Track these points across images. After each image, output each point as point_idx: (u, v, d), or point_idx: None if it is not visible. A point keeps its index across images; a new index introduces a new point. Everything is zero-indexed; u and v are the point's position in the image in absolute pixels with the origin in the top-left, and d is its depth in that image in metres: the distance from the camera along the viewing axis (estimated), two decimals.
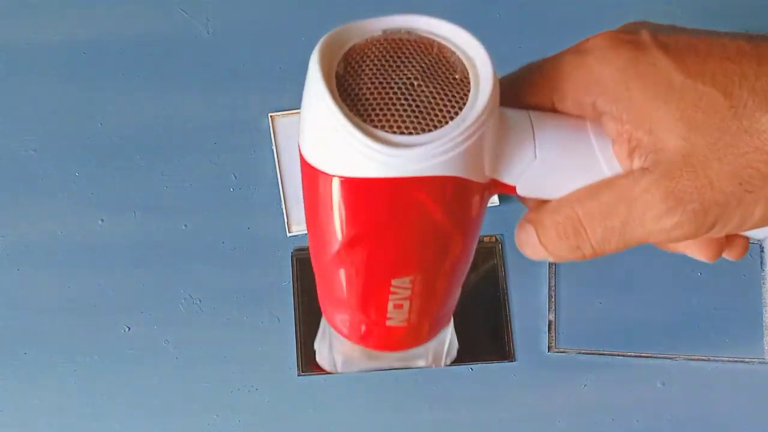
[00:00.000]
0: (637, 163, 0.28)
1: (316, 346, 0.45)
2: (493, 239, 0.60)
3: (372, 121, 0.27)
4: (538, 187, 0.31)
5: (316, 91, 0.27)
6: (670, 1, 0.63)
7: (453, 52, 0.29)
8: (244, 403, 0.58)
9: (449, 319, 0.41)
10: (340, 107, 0.27)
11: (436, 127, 0.27)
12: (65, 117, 0.62)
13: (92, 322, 0.59)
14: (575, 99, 0.29)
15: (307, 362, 0.58)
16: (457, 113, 0.28)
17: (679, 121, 0.27)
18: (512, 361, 0.59)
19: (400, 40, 0.29)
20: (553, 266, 0.60)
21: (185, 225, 0.60)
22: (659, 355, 0.59)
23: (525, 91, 0.31)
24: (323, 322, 0.41)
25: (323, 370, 0.58)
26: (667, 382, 0.59)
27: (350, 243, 0.31)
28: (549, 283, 0.60)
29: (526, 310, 0.60)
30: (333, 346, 0.42)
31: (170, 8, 0.63)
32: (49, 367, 0.58)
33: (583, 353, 0.59)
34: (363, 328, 0.37)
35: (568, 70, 0.29)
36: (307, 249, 0.60)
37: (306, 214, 0.33)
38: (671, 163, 0.27)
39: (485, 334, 0.60)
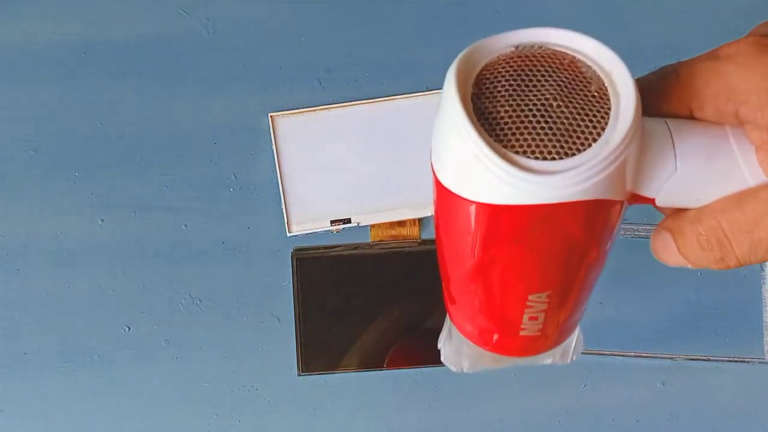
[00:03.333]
0: None
1: (440, 345, 0.45)
2: None
3: (512, 146, 0.26)
4: (678, 197, 0.30)
5: (454, 115, 0.26)
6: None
7: (588, 66, 0.28)
8: (244, 403, 0.58)
9: (579, 322, 0.41)
10: (480, 134, 0.26)
11: (578, 151, 0.26)
12: (65, 117, 0.62)
13: (92, 322, 0.59)
14: (715, 107, 0.28)
15: (307, 362, 0.58)
16: (599, 134, 0.27)
17: None
18: None
19: (533, 55, 0.28)
20: None
21: (185, 225, 0.60)
22: (659, 355, 0.59)
23: (661, 99, 0.29)
24: (448, 324, 0.41)
25: (324, 370, 0.58)
26: (667, 382, 0.59)
27: (488, 263, 0.31)
28: None
29: None
30: (460, 350, 0.41)
31: (170, 8, 0.63)
32: (49, 367, 0.58)
33: (583, 353, 0.59)
34: (495, 337, 0.36)
35: (708, 77, 0.28)
36: (307, 249, 0.60)
37: (437, 230, 0.33)
38: None
39: None
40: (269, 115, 0.61)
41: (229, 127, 0.62)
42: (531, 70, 0.28)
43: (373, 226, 0.60)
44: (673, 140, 0.29)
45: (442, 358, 0.44)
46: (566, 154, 0.26)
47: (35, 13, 0.63)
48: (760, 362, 0.59)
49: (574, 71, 0.28)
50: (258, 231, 0.60)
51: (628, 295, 0.60)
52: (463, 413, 0.58)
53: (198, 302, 0.59)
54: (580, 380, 0.59)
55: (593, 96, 0.27)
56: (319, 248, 0.60)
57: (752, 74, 0.27)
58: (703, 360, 0.59)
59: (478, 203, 0.28)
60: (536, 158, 0.26)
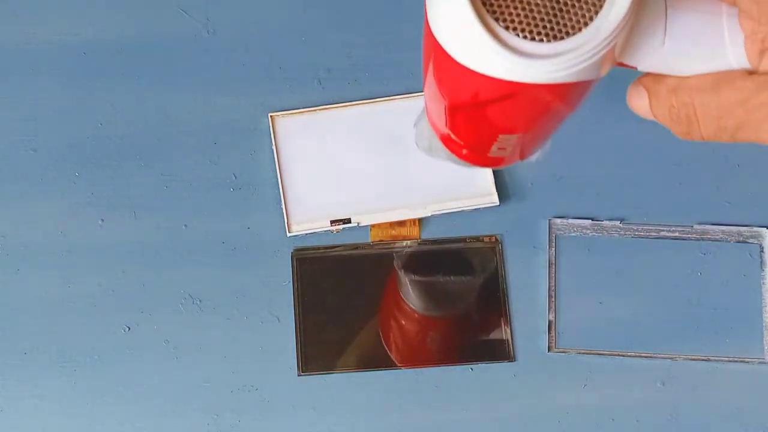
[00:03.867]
0: (765, 65, 0.28)
1: (414, 126, 0.45)
2: (493, 239, 0.60)
3: (504, 20, 0.26)
4: (660, 67, 0.30)
5: None
6: None
7: None
8: (244, 403, 0.58)
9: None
10: (475, 7, 0.26)
11: (568, 34, 0.26)
12: (65, 117, 0.62)
13: (92, 322, 0.59)
14: None
15: (307, 362, 0.58)
16: (591, 18, 0.26)
17: None
18: (512, 361, 0.59)
19: None
20: (553, 266, 0.60)
21: (185, 225, 0.60)
22: (659, 355, 0.59)
23: None
24: (424, 114, 0.41)
25: (324, 370, 0.58)
26: (667, 382, 0.59)
27: (463, 109, 0.32)
28: (549, 283, 0.60)
29: (526, 310, 0.60)
30: (432, 142, 0.42)
31: (170, 8, 0.63)
32: (49, 367, 0.58)
33: (583, 353, 0.59)
34: (464, 152, 0.38)
35: None
36: (307, 249, 0.60)
37: (424, 61, 0.33)
38: None
39: (485, 334, 0.60)
40: (269, 115, 0.61)
41: (229, 127, 0.62)
42: None
43: (373, 226, 0.60)
44: (666, 16, 0.29)
45: (415, 140, 0.45)
46: (555, 37, 0.26)
47: (35, 13, 0.63)
48: (760, 362, 0.59)
49: None
50: (258, 231, 0.60)
51: (628, 295, 0.60)
52: (463, 413, 0.58)
53: (198, 302, 0.59)
54: (580, 380, 0.59)
55: None
56: (319, 248, 0.60)
57: None
58: (703, 360, 0.59)
59: (461, 65, 0.28)
60: (524, 37, 0.26)
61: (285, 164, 0.61)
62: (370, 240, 0.60)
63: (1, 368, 0.58)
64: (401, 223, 0.60)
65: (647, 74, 0.32)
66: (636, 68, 0.30)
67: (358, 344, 0.59)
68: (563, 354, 0.59)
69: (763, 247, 0.60)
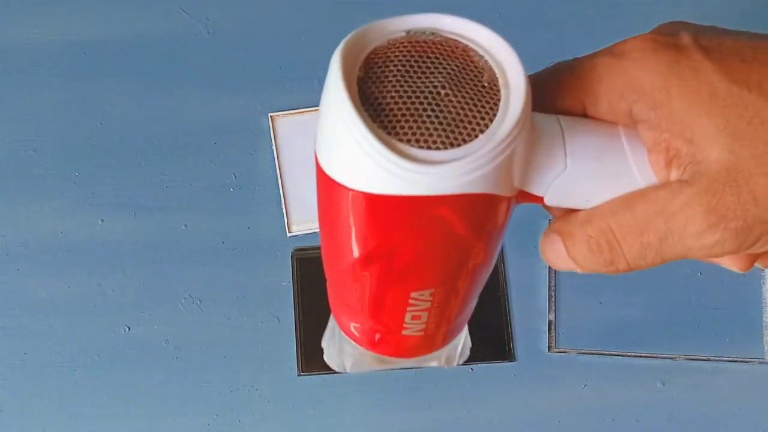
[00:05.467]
0: (674, 175, 0.27)
1: (324, 345, 0.44)
2: None
3: (397, 134, 0.25)
4: (568, 196, 0.29)
5: (338, 99, 0.25)
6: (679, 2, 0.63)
7: (480, 56, 0.27)
8: (244, 403, 0.58)
9: (465, 324, 0.40)
10: (364, 119, 0.25)
11: (464, 141, 0.25)
12: (65, 117, 0.62)
13: (92, 322, 0.59)
14: (609, 105, 0.28)
15: (307, 362, 0.58)
16: (486, 126, 0.26)
17: (723, 131, 0.25)
18: (512, 361, 0.59)
19: (425, 42, 0.27)
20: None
21: (185, 225, 0.60)
22: (659, 355, 0.59)
23: (554, 94, 0.29)
24: (332, 323, 0.40)
25: (324, 370, 0.58)
26: (667, 382, 0.59)
27: (368, 257, 0.30)
28: (549, 283, 0.60)
29: (526, 310, 0.60)
30: (342, 349, 0.41)
31: (170, 8, 0.63)
32: (49, 367, 0.58)
33: (583, 353, 0.59)
34: (377, 336, 0.36)
35: (602, 73, 0.27)
36: (307, 249, 0.60)
37: (320, 221, 0.32)
38: (713, 177, 0.26)
39: (485, 334, 0.60)
40: (269, 115, 0.61)
41: (229, 127, 0.62)
42: (421, 57, 0.27)
43: None
44: (564, 137, 0.28)
45: (324, 357, 0.44)
46: (451, 145, 0.25)
47: (35, 13, 0.63)
48: (760, 362, 0.59)
49: (465, 60, 0.27)
50: (258, 231, 0.60)
51: (628, 295, 0.60)
52: (463, 413, 0.58)
53: (198, 302, 0.59)
54: (580, 380, 0.59)
55: (483, 87, 0.26)
56: (319, 248, 0.60)
57: (647, 72, 0.26)
58: (703, 360, 0.59)
59: (357, 191, 0.26)
60: (420, 147, 0.25)
61: (285, 164, 0.61)
62: None
63: (1, 368, 0.58)
64: None
65: (556, 220, 0.30)
66: (543, 200, 0.29)
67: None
68: (563, 354, 0.59)
69: None
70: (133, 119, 0.62)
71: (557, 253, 0.30)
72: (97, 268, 0.60)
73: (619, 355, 0.59)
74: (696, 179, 0.26)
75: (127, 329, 0.59)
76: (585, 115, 0.29)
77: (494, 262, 0.33)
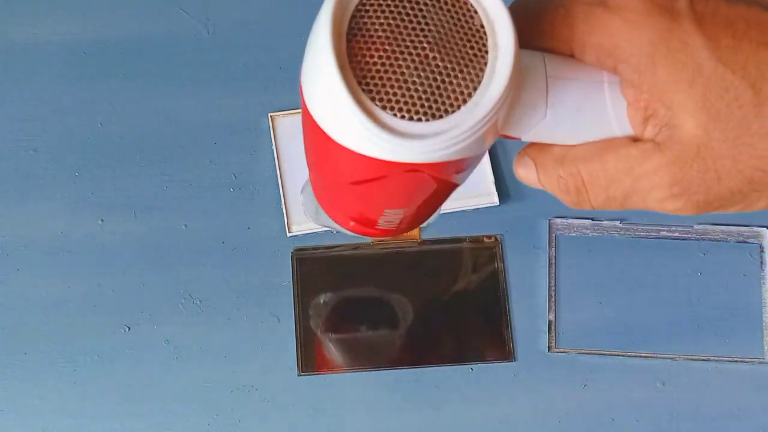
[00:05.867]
0: (649, 132, 0.27)
1: (301, 193, 0.44)
2: (493, 239, 0.60)
3: (381, 100, 0.25)
4: (544, 137, 0.29)
5: (324, 55, 0.25)
6: None
7: (474, 12, 0.26)
8: (244, 403, 0.58)
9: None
10: (349, 86, 0.25)
11: (447, 113, 0.25)
12: (65, 117, 0.62)
13: (92, 322, 0.59)
14: (596, 57, 0.28)
15: (307, 362, 0.58)
16: (470, 95, 0.25)
17: (701, 109, 0.26)
18: (512, 361, 0.59)
19: None
20: (553, 266, 0.60)
21: (185, 225, 0.60)
22: (659, 355, 0.59)
23: (543, 33, 0.28)
24: (309, 184, 0.41)
25: (324, 370, 0.58)
26: (667, 382, 0.59)
27: (345, 186, 0.31)
28: (549, 283, 0.60)
29: (526, 310, 0.60)
30: (317, 209, 0.41)
31: (170, 8, 0.63)
32: (49, 367, 0.58)
33: (583, 353, 0.59)
34: (352, 223, 0.37)
35: (593, 25, 0.27)
36: (307, 249, 0.60)
37: (304, 136, 0.31)
38: (683, 149, 0.26)
39: (485, 334, 0.60)
40: (269, 115, 0.61)
41: (229, 127, 0.62)
42: (413, 8, 0.26)
43: None
44: (547, 87, 0.28)
45: (303, 211, 0.44)
46: (433, 116, 0.25)
47: (35, 13, 0.63)
48: (760, 362, 0.59)
49: (456, 15, 0.26)
50: (258, 231, 0.60)
51: (628, 295, 0.60)
52: (464, 413, 0.58)
53: (198, 302, 0.59)
54: (580, 380, 0.59)
55: (472, 47, 0.26)
56: (319, 248, 0.60)
57: (638, 36, 0.26)
58: (703, 360, 0.59)
59: (338, 144, 0.27)
60: (402, 117, 0.25)
61: (285, 164, 0.61)
62: (370, 240, 0.60)
63: (1, 368, 0.58)
64: None
65: (532, 144, 0.31)
66: (520, 139, 0.29)
67: (358, 344, 0.59)
68: (563, 354, 0.59)
69: (763, 247, 0.60)
70: (133, 119, 0.62)
71: (529, 177, 0.31)
72: (97, 268, 0.60)
73: (619, 355, 0.59)
74: (667, 146, 0.27)
75: (127, 329, 0.59)
76: (571, 56, 0.29)
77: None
